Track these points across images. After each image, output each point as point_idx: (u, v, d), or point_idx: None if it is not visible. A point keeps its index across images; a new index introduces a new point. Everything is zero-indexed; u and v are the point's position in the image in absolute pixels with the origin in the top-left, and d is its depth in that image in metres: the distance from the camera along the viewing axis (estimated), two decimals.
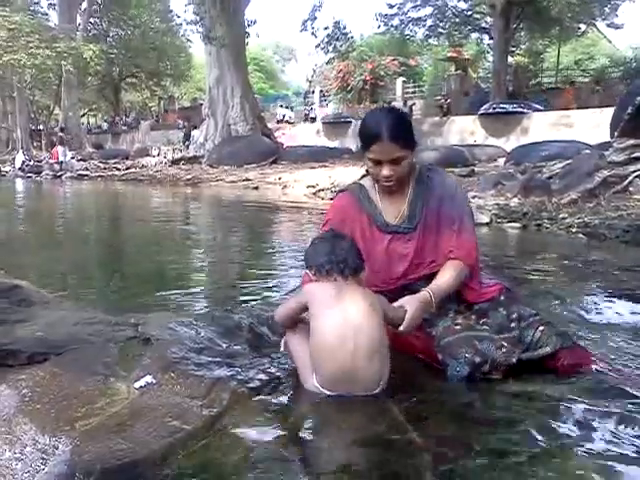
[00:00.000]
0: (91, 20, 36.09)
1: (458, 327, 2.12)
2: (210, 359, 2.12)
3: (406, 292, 2.15)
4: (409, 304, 2.02)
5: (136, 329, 2.36)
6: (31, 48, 25.81)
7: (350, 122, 25.63)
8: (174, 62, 38.63)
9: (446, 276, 2.14)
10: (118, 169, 22.49)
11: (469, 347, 2.03)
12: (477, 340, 2.05)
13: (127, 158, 26.43)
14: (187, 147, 25.13)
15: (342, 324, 1.83)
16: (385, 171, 2.14)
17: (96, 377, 1.92)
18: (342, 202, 2.35)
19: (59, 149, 24.77)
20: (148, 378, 1.89)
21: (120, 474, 1.41)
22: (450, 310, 2.19)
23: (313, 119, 30.69)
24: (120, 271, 4.70)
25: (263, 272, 4.34)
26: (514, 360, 2.02)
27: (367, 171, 2.32)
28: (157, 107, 44.23)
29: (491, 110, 19.61)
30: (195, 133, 25.21)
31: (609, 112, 11.01)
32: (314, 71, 40.07)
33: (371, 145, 2.11)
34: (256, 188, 15.10)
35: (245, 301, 3.32)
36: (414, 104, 26.25)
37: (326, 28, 23.56)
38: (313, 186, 13.74)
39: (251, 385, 1.95)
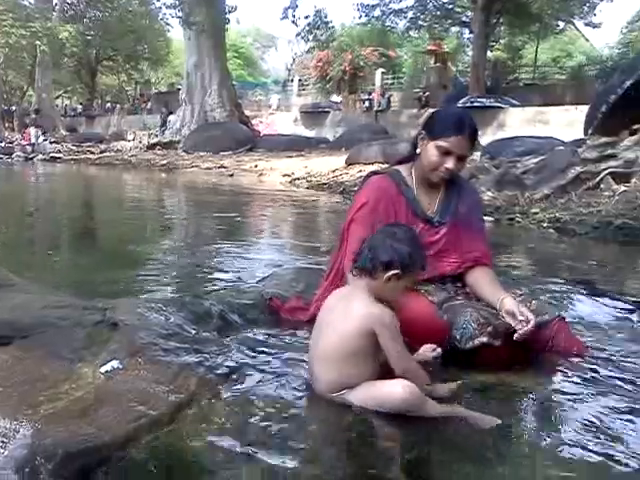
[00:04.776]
0: (68, 0, 35.29)
1: (459, 298, 2.25)
2: (178, 345, 2.10)
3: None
4: (515, 307, 2.07)
5: (104, 314, 2.33)
6: (5, 27, 25.22)
7: (328, 112, 25.60)
8: (152, 46, 37.97)
9: (497, 282, 2.30)
10: (92, 153, 22.17)
11: (472, 309, 2.12)
12: (478, 307, 2.15)
13: (102, 142, 26.06)
14: (163, 132, 24.86)
15: (319, 323, 1.87)
16: (451, 164, 2.23)
17: (62, 361, 1.90)
18: (381, 183, 2.38)
19: (31, 131, 24.36)
20: (114, 363, 1.88)
21: (83, 458, 1.39)
22: (449, 290, 2.30)
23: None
24: (90, 255, 4.65)
25: (235, 259, 4.32)
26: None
27: (400, 161, 2.45)
28: (134, 91, 43.60)
29: (468, 104, 19.70)
30: (172, 118, 24.94)
31: (584, 109, 11.14)
32: (294, 60, 39.90)
33: (450, 136, 2.20)
34: (231, 175, 15.01)
35: (216, 288, 3.31)
36: (391, 95, 26.27)
37: (307, 17, 23.54)
38: (289, 175, 13.73)
39: (219, 372, 1.95)
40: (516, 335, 2.01)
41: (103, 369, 1.84)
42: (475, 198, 2.57)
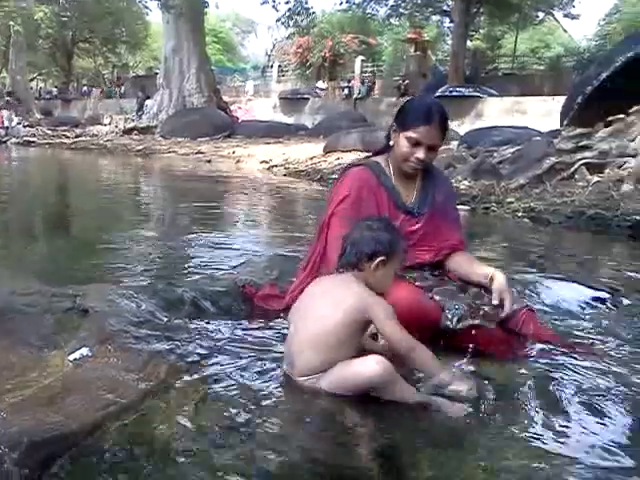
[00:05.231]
0: None
1: (446, 284, 2.28)
2: (149, 332, 2.09)
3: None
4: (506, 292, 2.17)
5: (74, 300, 2.30)
6: None
7: (307, 99, 25.50)
8: (130, 29, 37.36)
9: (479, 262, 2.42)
10: (67, 137, 21.85)
11: (463, 296, 2.18)
12: (468, 298, 2.20)
13: (77, 126, 25.71)
14: (140, 117, 24.55)
15: (298, 307, 1.87)
16: (421, 154, 2.25)
17: (30, 348, 1.88)
18: (362, 175, 2.39)
19: (4, 113, 23.97)
20: (84, 350, 1.86)
21: (49, 446, 1.38)
22: (431, 279, 2.32)
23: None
24: (61, 241, 4.60)
25: (210, 247, 4.29)
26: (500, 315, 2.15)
27: (377, 152, 2.47)
28: (110, 75, 42.95)
29: (447, 93, 19.75)
30: (149, 103, 24.63)
31: (561, 100, 11.22)
32: (274, 45, 39.63)
33: (419, 126, 2.22)
34: (209, 161, 14.90)
35: (189, 274, 3.29)
36: (374, 83, 26.23)
37: (287, 2, 23.26)
38: (267, 161, 13.67)
39: (190, 359, 1.94)
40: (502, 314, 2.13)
41: (72, 357, 1.83)
42: (450, 187, 2.64)
